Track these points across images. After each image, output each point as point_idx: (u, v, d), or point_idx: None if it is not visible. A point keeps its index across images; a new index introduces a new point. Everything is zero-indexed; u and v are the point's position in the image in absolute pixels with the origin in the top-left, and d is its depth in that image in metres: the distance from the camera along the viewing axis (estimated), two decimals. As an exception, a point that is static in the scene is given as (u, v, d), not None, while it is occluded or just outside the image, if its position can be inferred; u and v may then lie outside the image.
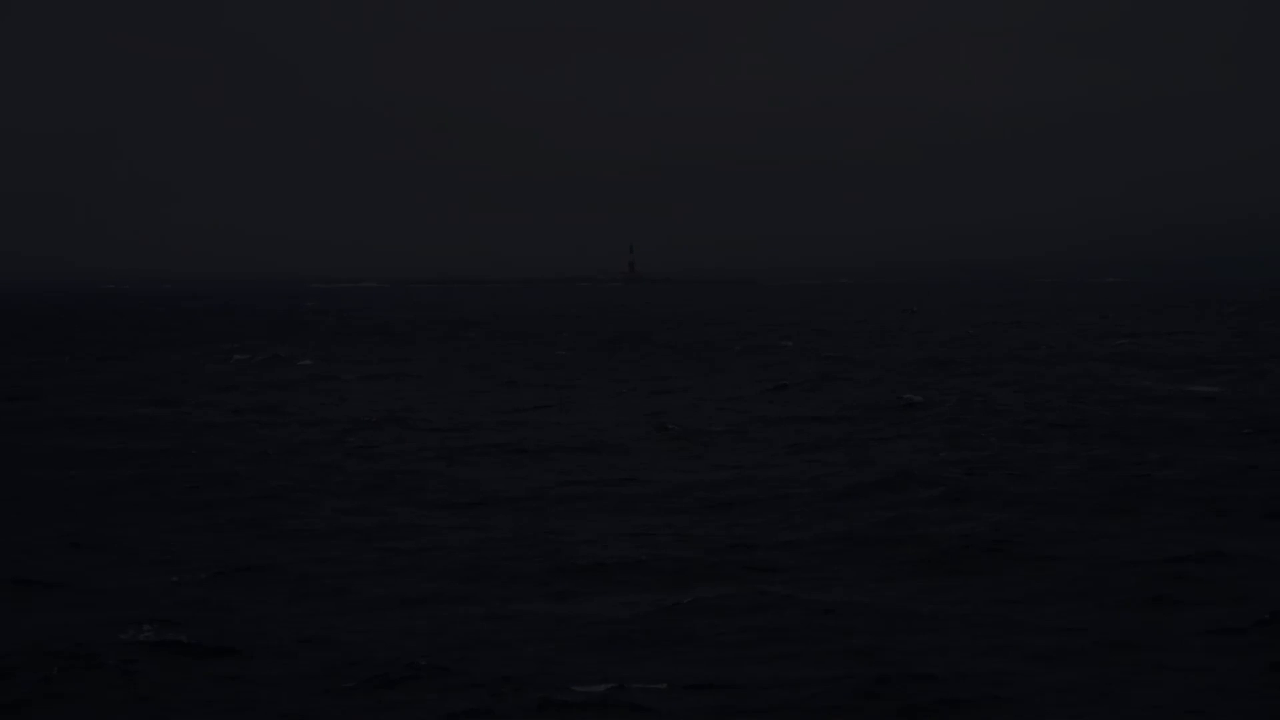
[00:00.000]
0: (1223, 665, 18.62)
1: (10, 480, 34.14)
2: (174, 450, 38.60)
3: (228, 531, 27.92)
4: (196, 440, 40.76)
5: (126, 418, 46.66)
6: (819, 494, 30.97)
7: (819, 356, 75.35)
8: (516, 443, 40.05)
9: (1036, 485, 31.46)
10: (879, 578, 23.47)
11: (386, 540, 26.89)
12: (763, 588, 22.78)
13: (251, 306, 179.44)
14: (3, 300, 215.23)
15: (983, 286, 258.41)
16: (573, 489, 32.33)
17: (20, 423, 45.56)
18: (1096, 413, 45.14)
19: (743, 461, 36.26)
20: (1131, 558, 24.46)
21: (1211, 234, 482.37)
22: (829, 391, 54.88)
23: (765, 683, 18.23)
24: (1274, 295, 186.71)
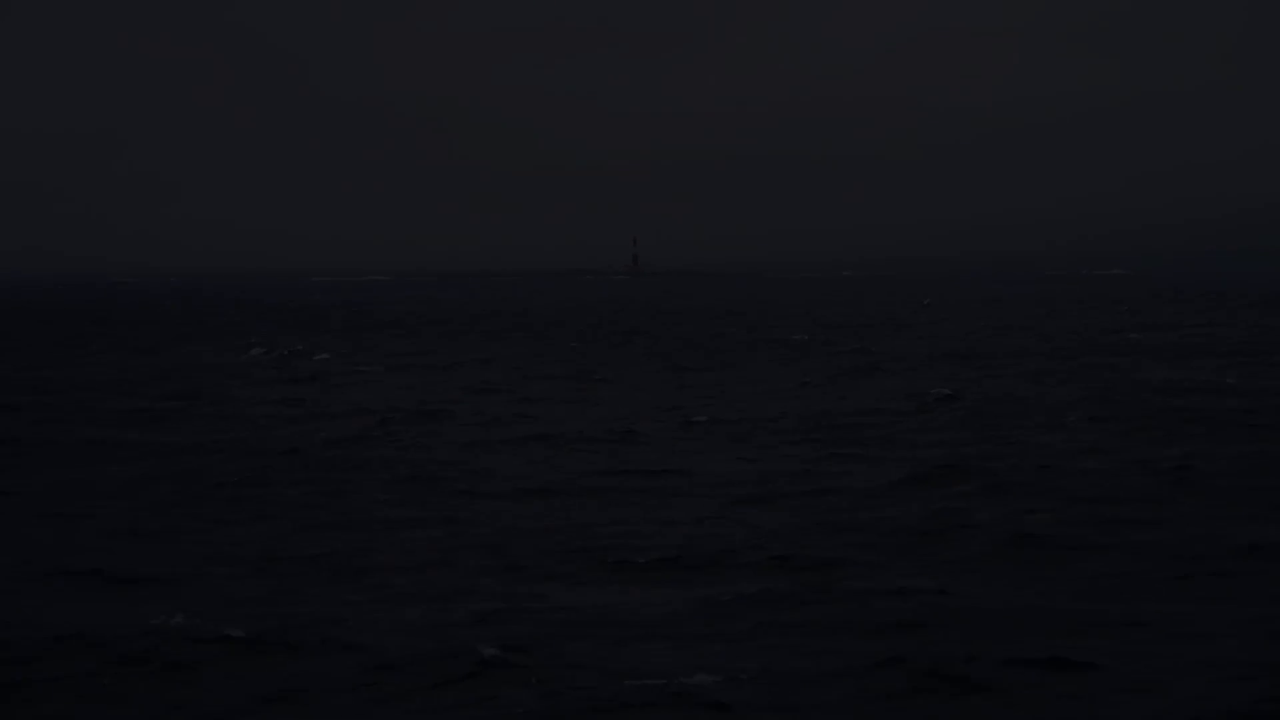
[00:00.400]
0: (1269, 659, 18.64)
1: (44, 474, 34.16)
2: (204, 444, 38.62)
3: (263, 525, 27.93)
4: (226, 434, 40.77)
5: (154, 411, 46.70)
6: (853, 487, 30.92)
7: (836, 349, 75.24)
8: (544, 434, 40.09)
9: (1070, 478, 31.43)
10: (921, 571, 23.47)
11: (423, 533, 26.92)
12: (806, 580, 22.84)
13: (258, 301, 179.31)
14: (9, 294, 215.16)
15: (988, 279, 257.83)
16: (606, 480, 32.38)
17: (49, 417, 45.57)
18: (1122, 404, 45.09)
19: (772, 454, 36.22)
20: (1169, 551, 24.48)
21: (1211, 228, 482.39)
22: (853, 384, 54.79)
23: (819, 675, 18.26)
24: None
